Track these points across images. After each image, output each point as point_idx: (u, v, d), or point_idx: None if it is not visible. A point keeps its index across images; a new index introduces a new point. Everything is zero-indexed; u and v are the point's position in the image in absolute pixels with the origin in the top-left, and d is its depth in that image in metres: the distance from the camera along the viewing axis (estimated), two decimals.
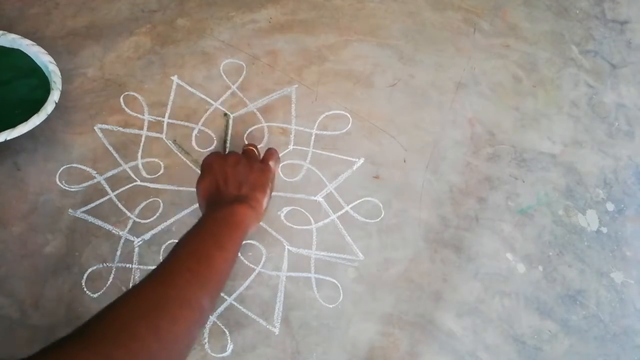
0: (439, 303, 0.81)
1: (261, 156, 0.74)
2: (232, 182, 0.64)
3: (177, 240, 0.54)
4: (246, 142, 0.86)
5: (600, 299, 0.85)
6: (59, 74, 0.80)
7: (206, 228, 0.56)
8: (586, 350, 0.81)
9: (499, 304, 0.82)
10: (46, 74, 0.81)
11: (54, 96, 0.78)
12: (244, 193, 0.64)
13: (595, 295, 0.85)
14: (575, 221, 0.90)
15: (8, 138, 0.72)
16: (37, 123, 0.75)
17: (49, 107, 0.77)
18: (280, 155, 0.87)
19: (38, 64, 0.82)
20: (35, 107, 0.76)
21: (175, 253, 0.51)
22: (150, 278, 0.46)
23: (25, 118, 0.74)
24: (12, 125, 0.73)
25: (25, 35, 0.81)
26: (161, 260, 0.51)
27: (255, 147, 0.79)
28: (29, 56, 0.82)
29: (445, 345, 0.78)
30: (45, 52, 0.81)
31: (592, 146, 0.97)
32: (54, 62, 0.81)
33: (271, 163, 0.72)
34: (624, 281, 0.87)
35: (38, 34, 0.89)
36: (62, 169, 0.81)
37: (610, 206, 0.92)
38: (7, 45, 0.82)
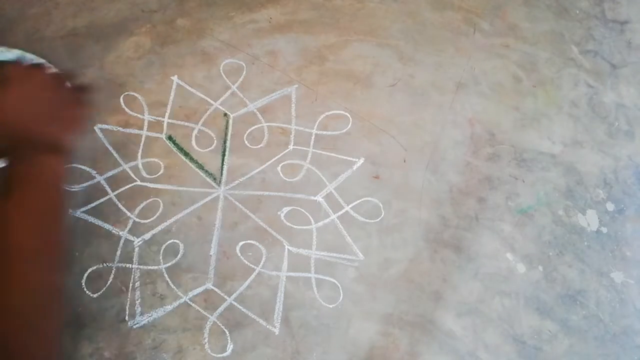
0: (439, 303, 0.80)
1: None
2: (43, 114, 0.51)
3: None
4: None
5: (600, 299, 0.85)
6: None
7: (21, 201, 0.45)
8: (586, 350, 0.81)
9: (499, 304, 0.82)
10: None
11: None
12: (56, 134, 0.50)
13: (595, 295, 0.85)
14: (575, 221, 0.90)
15: (2, 165, 0.71)
16: None
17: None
18: (280, 155, 0.87)
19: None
20: None
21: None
22: None
23: None
24: None
25: (26, 35, 0.81)
26: None
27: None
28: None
29: (445, 345, 0.78)
30: (52, 67, 0.80)
31: (592, 146, 0.97)
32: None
33: (82, 95, 0.57)
34: (624, 281, 0.87)
35: (38, 34, 0.89)
36: None
37: (610, 206, 0.92)
38: (13, 59, 0.80)
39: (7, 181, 0.47)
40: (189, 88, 0.90)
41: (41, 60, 0.69)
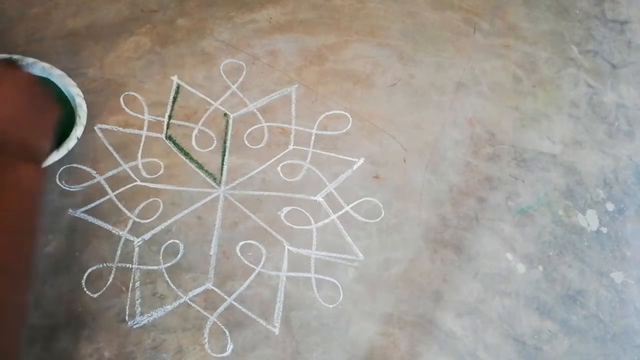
0: (439, 303, 0.81)
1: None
2: (21, 118, 0.46)
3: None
4: None
5: (600, 299, 0.85)
6: (85, 108, 0.79)
7: None
8: (586, 350, 0.81)
9: (499, 304, 0.82)
10: (72, 106, 0.80)
11: (77, 132, 0.76)
12: (30, 142, 0.47)
13: (595, 295, 0.85)
14: (575, 221, 0.90)
15: None
16: (56, 159, 0.74)
17: (70, 143, 0.75)
18: (280, 155, 0.87)
19: (65, 94, 0.80)
20: (58, 138, 0.74)
21: None
22: None
23: None
24: None
25: (26, 35, 0.81)
26: None
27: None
28: (56, 86, 0.80)
29: (445, 345, 0.78)
30: (75, 84, 0.80)
31: (592, 146, 0.97)
32: (82, 95, 0.79)
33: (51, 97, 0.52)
34: (624, 281, 0.87)
35: (38, 34, 0.89)
36: (62, 169, 0.81)
37: (610, 206, 0.92)
38: (37, 73, 0.79)
39: None
40: (189, 88, 0.90)
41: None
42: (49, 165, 0.80)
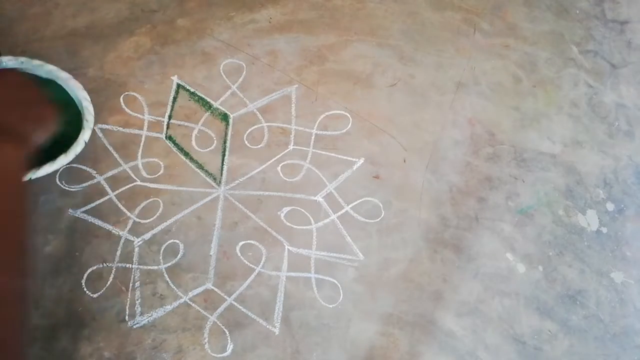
0: (439, 303, 0.81)
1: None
2: (8, 105, 0.49)
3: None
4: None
5: (600, 299, 0.85)
6: (92, 111, 0.78)
7: None
8: (586, 350, 0.81)
9: (499, 304, 0.82)
10: (80, 109, 0.79)
11: (85, 135, 0.76)
12: (21, 128, 0.50)
13: (595, 295, 0.85)
14: (575, 221, 0.90)
15: (33, 177, 0.71)
16: (64, 164, 0.74)
17: (78, 148, 0.75)
18: (280, 155, 0.87)
19: (73, 98, 0.80)
20: (65, 142, 0.74)
21: None
22: None
23: (53, 153, 0.72)
24: (39, 157, 0.71)
25: (26, 35, 0.81)
26: None
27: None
28: (64, 89, 0.79)
29: (445, 345, 0.78)
30: (82, 87, 0.79)
31: (592, 146, 0.97)
32: (89, 98, 0.79)
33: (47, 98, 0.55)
34: (624, 281, 0.87)
35: (38, 34, 0.89)
36: (62, 169, 0.81)
37: (610, 206, 0.92)
38: (44, 75, 0.78)
39: None
40: (189, 88, 0.90)
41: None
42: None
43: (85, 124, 0.77)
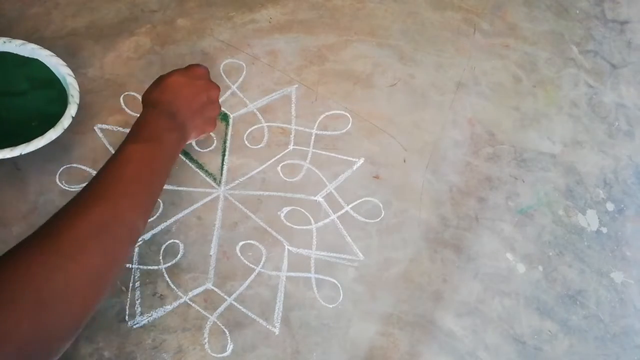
0: (439, 303, 0.81)
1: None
2: (191, 108, 0.68)
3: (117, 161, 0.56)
4: (247, 141, 0.86)
5: (600, 299, 0.85)
6: (77, 87, 0.78)
7: (152, 153, 0.58)
8: (586, 350, 0.81)
9: (499, 304, 0.82)
10: (64, 86, 0.79)
11: (71, 110, 0.76)
12: (194, 124, 0.69)
13: (595, 295, 0.85)
14: (575, 221, 0.90)
15: (23, 152, 0.71)
16: (54, 137, 0.73)
17: (65, 122, 0.75)
18: (280, 155, 0.87)
19: (57, 75, 0.80)
20: (52, 120, 0.74)
21: (122, 174, 0.54)
22: (97, 198, 0.50)
23: (41, 131, 0.72)
24: (28, 137, 0.71)
25: (26, 35, 0.81)
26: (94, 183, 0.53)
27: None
28: (47, 67, 0.79)
29: (445, 345, 0.78)
30: (65, 64, 0.79)
31: (592, 146, 0.97)
32: (73, 74, 0.79)
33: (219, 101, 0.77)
34: (624, 281, 0.87)
35: (38, 34, 0.89)
36: (62, 169, 0.81)
37: (610, 206, 0.92)
38: (26, 54, 0.79)
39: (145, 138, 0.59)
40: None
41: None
42: (49, 165, 0.80)
43: (70, 99, 0.77)
